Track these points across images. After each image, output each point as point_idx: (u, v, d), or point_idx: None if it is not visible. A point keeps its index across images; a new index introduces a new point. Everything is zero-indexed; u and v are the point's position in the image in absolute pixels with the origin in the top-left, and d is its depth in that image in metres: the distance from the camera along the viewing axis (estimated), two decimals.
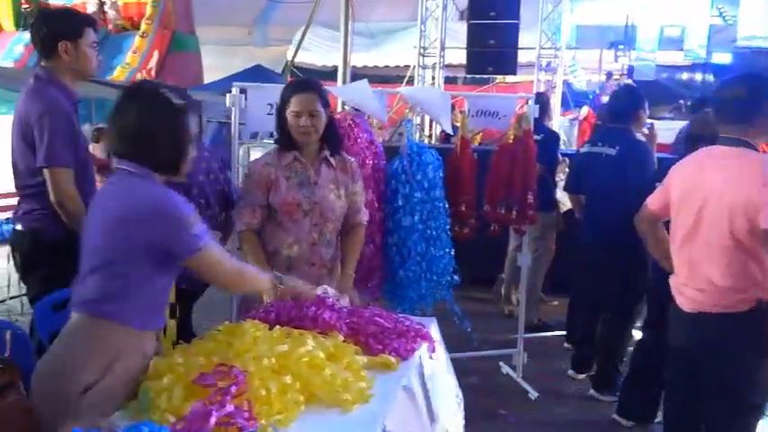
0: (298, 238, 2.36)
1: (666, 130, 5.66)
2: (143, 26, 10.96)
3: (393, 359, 1.79)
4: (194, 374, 1.49)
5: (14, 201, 5.14)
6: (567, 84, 8.95)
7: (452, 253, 3.25)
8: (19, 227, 2.45)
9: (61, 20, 2.43)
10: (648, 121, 3.63)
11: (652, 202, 2.36)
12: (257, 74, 9.13)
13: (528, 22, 7.71)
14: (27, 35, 11.27)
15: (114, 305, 1.57)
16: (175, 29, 11.42)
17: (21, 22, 11.60)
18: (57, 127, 2.27)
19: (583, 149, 3.74)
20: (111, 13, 11.18)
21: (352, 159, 2.54)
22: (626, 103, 3.43)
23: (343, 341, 1.79)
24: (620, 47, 11.41)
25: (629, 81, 9.24)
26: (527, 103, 3.40)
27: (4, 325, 1.96)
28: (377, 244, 3.14)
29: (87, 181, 2.43)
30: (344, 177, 2.44)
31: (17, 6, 11.60)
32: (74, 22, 2.40)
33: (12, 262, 2.56)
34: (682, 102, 9.64)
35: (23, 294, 3.56)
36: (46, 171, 2.29)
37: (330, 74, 10.71)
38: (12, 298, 4.52)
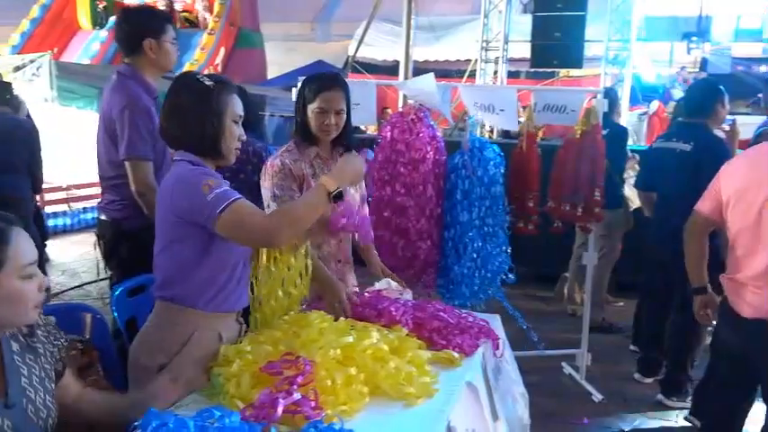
0: (326, 236, 2.27)
1: (743, 125, 5.37)
2: (211, 23, 11.29)
3: (456, 355, 1.78)
4: (262, 362, 1.52)
5: (96, 190, 5.40)
6: (635, 78, 8.62)
7: (508, 251, 3.20)
8: (103, 216, 2.61)
9: (144, 18, 2.57)
10: (729, 117, 3.45)
11: (703, 206, 2.31)
12: (319, 69, 9.23)
13: (595, 14, 7.46)
14: (103, 33, 11.84)
15: (175, 287, 1.63)
16: (241, 25, 11.72)
17: (97, 20, 12.19)
18: (137, 120, 2.37)
19: (656, 144, 3.59)
20: (199, 7, 11.59)
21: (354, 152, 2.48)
22: (703, 97, 3.27)
23: (407, 335, 1.79)
24: (693, 38, 10.87)
25: (704, 74, 8.82)
26: (595, 97, 3.29)
27: (83, 309, 2.07)
28: (434, 240, 3.12)
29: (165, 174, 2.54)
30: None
31: (94, 6, 12.19)
32: (156, 20, 2.53)
33: (98, 249, 2.70)
34: (760, 96, 9.14)
35: (107, 278, 3.77)
36: (127, 163, 2.40)
37: (390, 68, 10.72)
38: (98, 280, 4.76)
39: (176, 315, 1.62)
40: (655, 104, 8.75)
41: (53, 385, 1.31)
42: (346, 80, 2.35)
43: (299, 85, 2.27)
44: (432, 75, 3.05)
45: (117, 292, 2.25)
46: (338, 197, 1.61)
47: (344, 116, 2.22)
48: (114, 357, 1.95)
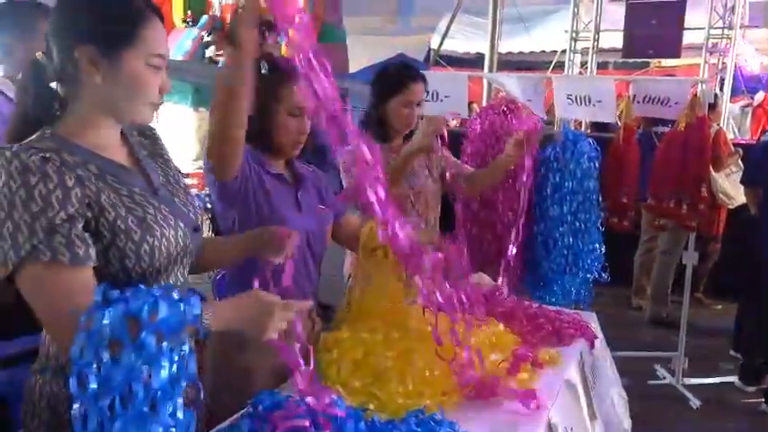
0: None
1: None
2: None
3: (554, 351, 1.74)
4: (359, 350, 1.54)
5: (191, 181, 5.65)
6: (737, 67, 8.07)
7: (602, 248, 3.08)
8: (209, 205, 2.83)
9: None
10: None
11: None
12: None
13: (694, 0, 7.04)
14: (195, 31, 12.37)
15: (242, 286, 1.59)
16: (324, 20, 11.90)
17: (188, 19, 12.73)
18: None
19: (765, 138, 3.37)
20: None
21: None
22: None
23: (503, 331, 1.77)
24: None
25: None
26: (700, 86, 3.11)
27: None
28: (521, 235, 3.05)
29: None
30: (428, 160, 2.30)
31: (186, 5, 12.73)
32: (258, 27, 2.70)
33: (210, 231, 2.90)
34: None
35: None
36: None
37: (472, 61, 10.55)
38: None
39: None
40: (760, 95, 8.15)
41: (190, 192, 1.30)
42: (432, 73, 2.31)
43: (376, 77, 2.21)
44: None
45: (216, 276, 2.36)
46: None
47: (422, 108, 2.18)
48: None
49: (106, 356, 0.87)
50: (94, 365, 0.86)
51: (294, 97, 1.56)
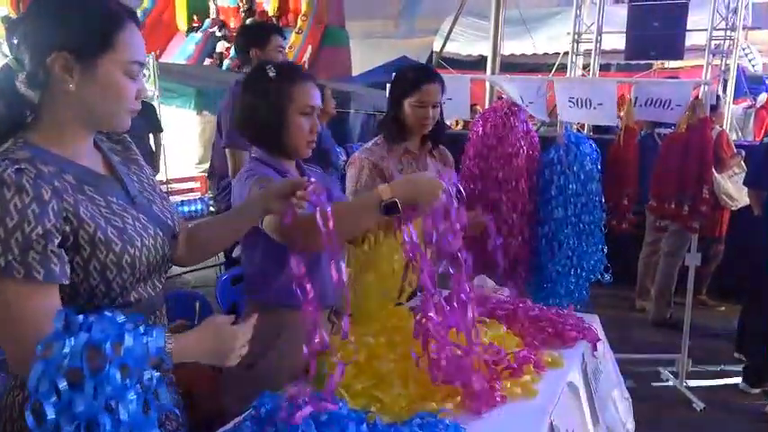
0: None
1: None
2: (299, 23, 11.60)
3: (556, 353, 1.74)
4: (363, 353, 1.55)
5: (193, 184, 5.65)
6: (740, 68, 8.07)
7: (604, 250, 3.09)
8: (212, 208, 2.91)
9: (251, 30, 2.97)
10: None
11: None
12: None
13: (697, 2, 7.02)
14: (198, 35, 12.44)
15: (260, 290, 1.62)
16: (327, 23, 11.95)
17: (192, 23, 12.81)
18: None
19: (767, 140, 3.37)
20: None
21: (445, 148, 2.39)
22: None
23: (506, 333, 1.77)
24: None
25: None
26: (702, 88, 3.11)
27: (191, 295, 2.20)
28: (525, 236, 3.06)
29: None
30: (445, 169, 2.32)
31: (191, 10, 12.82)
32: (261, 31, 2.86)
33: None
34: None
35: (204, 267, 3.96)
36: (227, 150, 2.67)
37: (474, 63, 10.57)
38: (196, 270, 5.02)
39: (264, 315, 1.50)
40: (763, 97, 8.15)
41: (167, 197, 1.29)
42: None
43: (393, 78, 2.25)
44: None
45: (220, 280, 2.37)
46: (391, 209, 1.36)
47: (439, 109, 2.19)
48: None
49: (64, 385, 0.82)
50: (54, 397, 0.82)
51: (305, 96, 1.57)
